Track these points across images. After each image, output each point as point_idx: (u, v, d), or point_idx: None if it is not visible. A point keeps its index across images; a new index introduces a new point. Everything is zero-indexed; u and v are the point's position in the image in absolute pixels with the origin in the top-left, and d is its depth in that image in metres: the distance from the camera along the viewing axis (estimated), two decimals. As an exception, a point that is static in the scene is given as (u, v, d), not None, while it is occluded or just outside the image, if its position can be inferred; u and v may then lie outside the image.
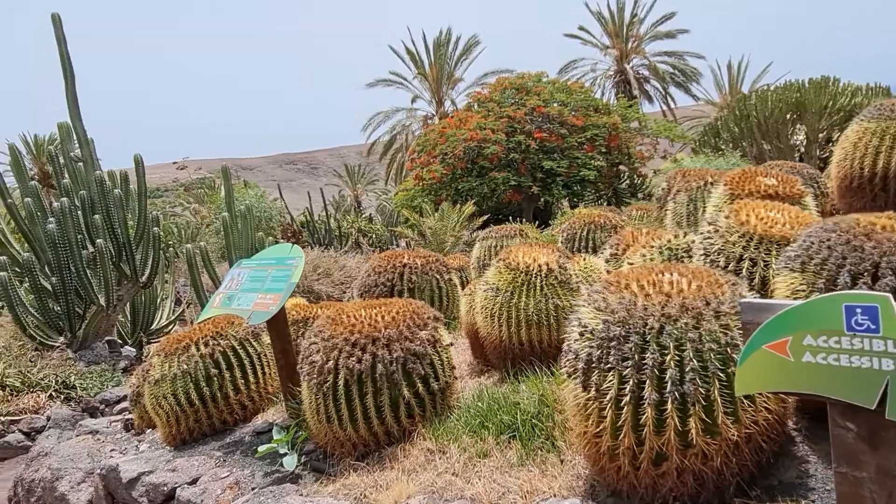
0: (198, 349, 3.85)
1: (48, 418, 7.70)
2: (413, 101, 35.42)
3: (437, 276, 4.70)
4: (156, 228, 10.56)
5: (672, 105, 36.94)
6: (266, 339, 4.24)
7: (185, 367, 3.79)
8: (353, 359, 2.78)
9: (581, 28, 37.33)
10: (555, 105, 23.11)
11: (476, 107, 25.23)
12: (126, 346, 11.53)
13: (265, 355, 4.10)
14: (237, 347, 3.94)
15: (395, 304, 3.09)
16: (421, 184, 24.27)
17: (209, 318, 4.03)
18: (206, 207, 33.00)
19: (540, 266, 3.09)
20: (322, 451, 3.10)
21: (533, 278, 3.06)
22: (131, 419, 5.20)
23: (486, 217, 20.64)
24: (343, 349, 2.82)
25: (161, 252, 10.83)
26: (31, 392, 7.87)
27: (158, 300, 12.87)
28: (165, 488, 3.27)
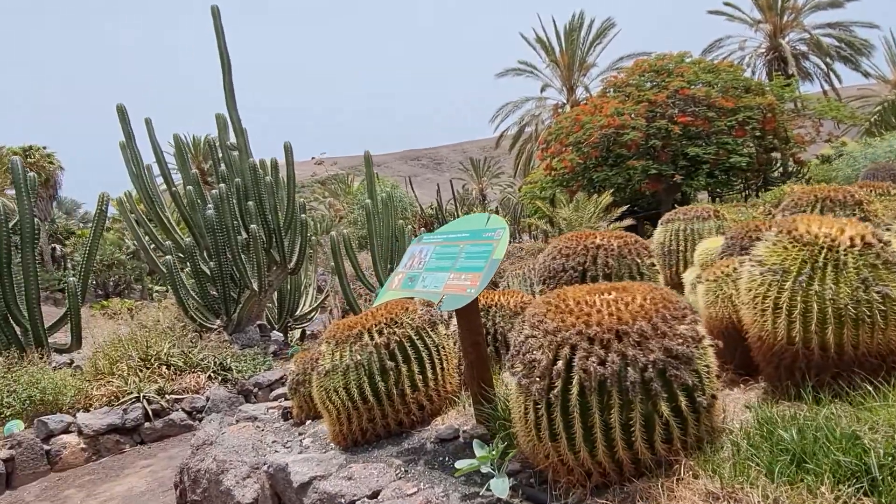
0: (371, 338, 3.35)
1: (207, 398, 7.84)
2: (543, 89, 34.30)
3: (637, 261, 3.89)
4: (303, 215, 10.59)
5: (837, 84, 32.69)
6: (442, 329, 3.68)
7: (358, 357, 3.31)
8: (594, 359, 2.08)
9: (727, 3, 34.08)
10: (700, 86, 21.10)
11: (612, 92, 23.71)
12: (274, 331, 11.77)
13: (443, 348, 3.53)
14: (414, 338, 3.40)
15: (634, 288, 2.35)
16: (552, 174, 23.20)
17: (381, 304, 3.53)
18: (341, 201, 34.14)
19: (851, 239, 2.20)
20: (536, 474, 2.44)
21: (842, 256, 2.18)
22: (289, 408, 4.91)
23: (624, 208, 19.23)
24: (579, 346, 2.13)
25: (307, 240, 10.89)
26: (193, 372, 8.05)
27: (302, 287, 13.08)
28: (343, 500, 2.78)
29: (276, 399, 7.48)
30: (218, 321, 9.95)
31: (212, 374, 8.20)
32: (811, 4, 32.74)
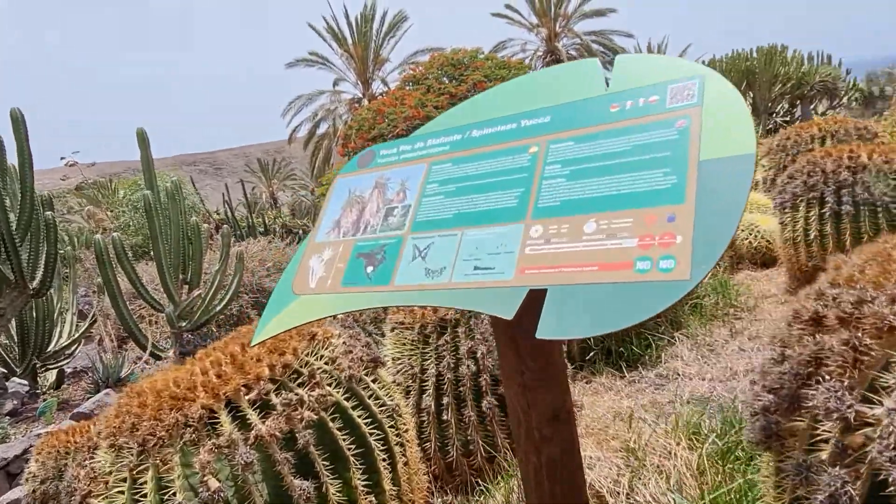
0: (245, 425, 1.39)
1: None
2: (336, 83, 32.53)
3: None
4: (49, 213, 7.50)
5: (603, 86, 36.25)
6: (386, 374, 1.83)
7: (211, 486, 1.32)
8: None
9: (508, 6, 35.88)
10: (497, 81, 21.44)
11: (411, 86, 23.06)
12: (14, 379, 8.35)
13: (399, 416, 1.69)
14: (345, 405, 1.51)
15: None
16: (354, 171, 21.68)
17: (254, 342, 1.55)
18: (103, 209, 28.52)
19: None
20: None
21: None
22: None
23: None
24: None
25: (57, 248, 7.78)
26: None
27: (56, 313, 9.64)
28: None
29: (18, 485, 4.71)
30: None
31: None
32: (579, 13, 35.87)
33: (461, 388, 2.22)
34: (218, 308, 8.39)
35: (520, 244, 1.08)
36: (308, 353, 1.80)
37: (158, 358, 8.30)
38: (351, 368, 1.83)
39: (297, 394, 1.47)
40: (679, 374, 2.89)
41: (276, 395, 1.47)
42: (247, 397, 1.43)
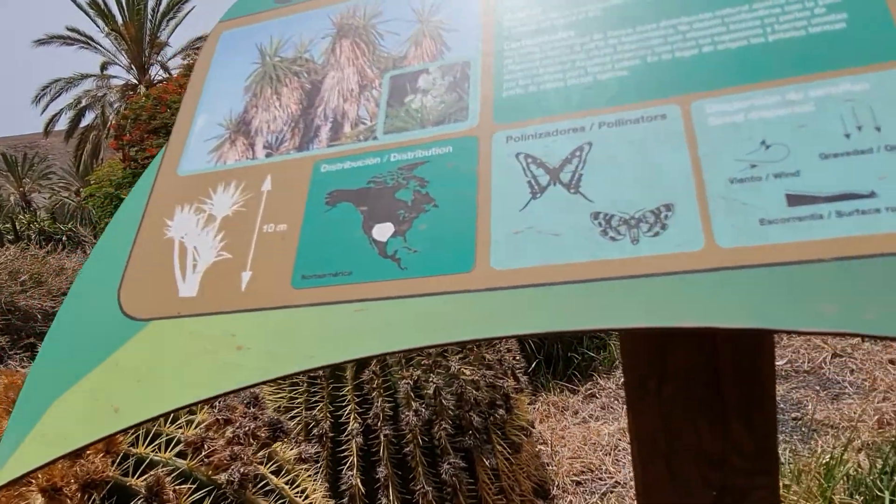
0: None
1: None
2: (104, 67, 28.13)
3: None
4: None
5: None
6: (289, 453, 0.91)
7: None
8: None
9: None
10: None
11: (198, 72, 20.74)
12: None
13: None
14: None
15: None
16: (131, 166, 18.81)
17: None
18: None
19: None
20: None
21: None
22: None
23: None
24: None
25: None
26: None
27: None
28: None
29: None
30: None
31: None
32: None
33: (406, 450, 1.36)
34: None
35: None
36: (142, 444, 0.84)
37: None
38: (238, 464, 0.90)
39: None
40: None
41: None
42: None
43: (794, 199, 0.40)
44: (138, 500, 0.85)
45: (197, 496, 0.90)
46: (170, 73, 26.11)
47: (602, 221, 0.43)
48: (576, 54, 0.50)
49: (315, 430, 1.40)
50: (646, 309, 0.42)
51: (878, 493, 1.33)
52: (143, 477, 0.89)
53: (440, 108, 0.52)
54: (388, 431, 1.38)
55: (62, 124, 28.37)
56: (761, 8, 0.47)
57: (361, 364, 1.40)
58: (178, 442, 0.97)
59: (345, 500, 1.36)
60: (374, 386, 1.40)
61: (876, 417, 2.02)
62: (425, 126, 0.51)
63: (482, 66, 0.52)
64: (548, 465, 1.99)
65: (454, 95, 0.52)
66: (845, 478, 1.45)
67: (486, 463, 1.47)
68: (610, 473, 1.91)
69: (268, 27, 0.64)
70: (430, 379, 1.40)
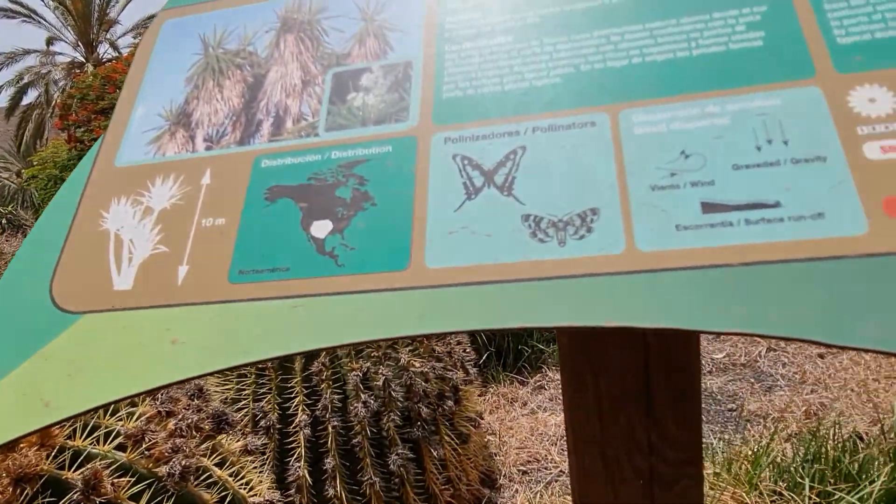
0: None
1: None
2: (50, 43, 26.85)
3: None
4: None
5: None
6: (231, 444, 0.91)
7: None
8: None
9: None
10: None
11: (151, 52, 20.03)
12: None
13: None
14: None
15: None
16: (77, 147, 18.11)
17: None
18: None
19: None
20: None
21: None
22: None
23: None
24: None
25: None
26: None
27: None
28: None
29: None
30: None
31: None
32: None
33: (354, 441, 1.38)
34: None
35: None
36: (79, 437, 0.83)
37: None
38: (180, 457, 0.89)
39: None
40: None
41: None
42: None
43: (708, 207, 0.42)
44: (74, 493, 0.84)
45: (136, 489, 0.89)
46: (119, 52, 25.09)
47: (532, 223, 0.45)
48: (513, 59, 0.51)
49: (262, 422, 1.39)
50: (572, 308, 0.44)
51: (799, 480, 1.42)
52: (80, 470, 0.87)
53: (381, 107, 0.53)
54: (336, 423, 1.38)
55: (2, 101, 27.02)
56: (687, 23, 0.49)
57: (310, 356, 1.41)
58: (118, 434, 0.95)
59: (291, 491, 1.36)
60: (323, 378, 1.41)
61: (804, 408, 2.14)
62: (366, 124, 0.52)
63: (423, 68, 0.53)
64: (495, 456, 2.04)
65: (395, 95, 0.53)
66: (771, 465, 1.54)
67: (434, 453, 1.49)
68: (555, 463, 1.97)
69: (212, 17, 0.63)
70: (380, 371, 1.41)
